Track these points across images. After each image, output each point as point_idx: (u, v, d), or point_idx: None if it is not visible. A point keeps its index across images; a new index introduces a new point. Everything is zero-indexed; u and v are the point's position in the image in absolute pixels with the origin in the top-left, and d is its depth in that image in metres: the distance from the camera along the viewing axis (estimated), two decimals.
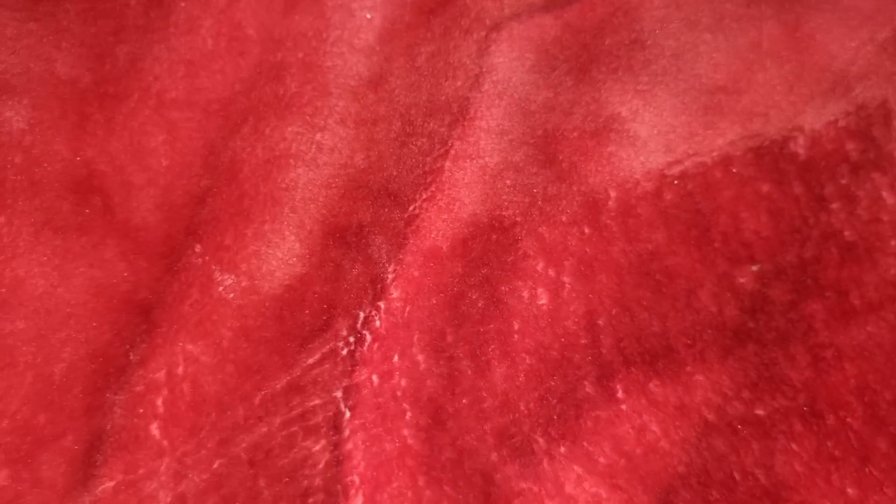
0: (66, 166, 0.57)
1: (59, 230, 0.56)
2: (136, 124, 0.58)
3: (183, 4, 0.61)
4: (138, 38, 0.59)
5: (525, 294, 0.55)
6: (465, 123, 0.59)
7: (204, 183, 0.58)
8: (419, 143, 0.58)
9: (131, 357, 0.54)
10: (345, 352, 0.54)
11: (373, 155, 0.58)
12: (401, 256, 0.56)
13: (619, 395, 0.53)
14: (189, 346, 0.54)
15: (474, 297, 0.55)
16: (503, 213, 0.57)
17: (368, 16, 0.61)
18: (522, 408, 0.53)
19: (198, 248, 0.56)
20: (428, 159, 0.58)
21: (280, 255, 0.56)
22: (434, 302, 0.55)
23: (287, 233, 0.56)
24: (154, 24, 0.60)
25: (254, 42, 0.61)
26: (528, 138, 0.59)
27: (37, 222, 0.56)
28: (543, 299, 0.55)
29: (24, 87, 0.59)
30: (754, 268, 0.55)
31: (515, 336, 0.54)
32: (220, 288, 0.54)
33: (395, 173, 0.58)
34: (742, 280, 0.54)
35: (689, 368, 0.53)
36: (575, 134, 0.58)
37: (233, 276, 0.55)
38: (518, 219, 0.57)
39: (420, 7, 0.62)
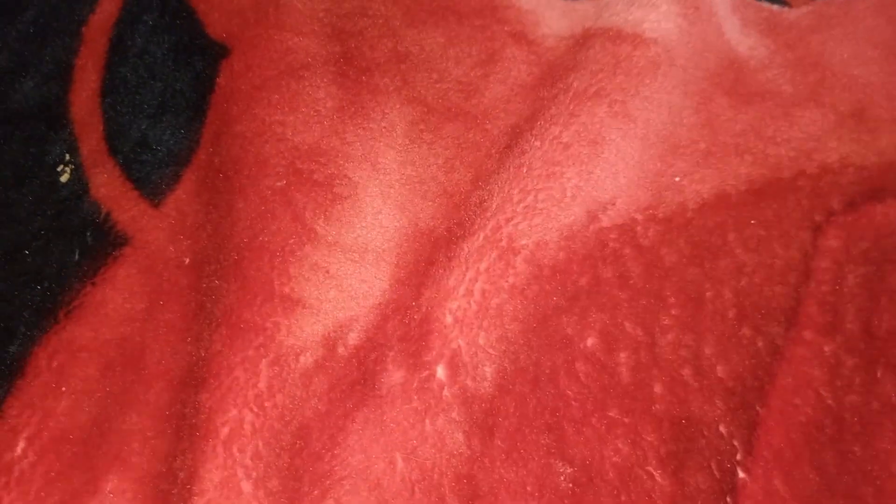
0: (406, 313, 0.54)
1: None
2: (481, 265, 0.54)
3: (534, 144, 0.58)
4: (491, 185, 0.57)
5: None
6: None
7: None
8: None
9: None
10: None
11: None
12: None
13: None
14: None
15: None
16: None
17: None
18: None
19: None
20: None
21: None
22: None
23: None
24: (507, 169, 0.58)
25: None
26: None
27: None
28: None
29: (393, 245, 0.57)
30: None
31: None
32: None
33: None
34: None
35: None
36: None
37: None
38: None
39: None
